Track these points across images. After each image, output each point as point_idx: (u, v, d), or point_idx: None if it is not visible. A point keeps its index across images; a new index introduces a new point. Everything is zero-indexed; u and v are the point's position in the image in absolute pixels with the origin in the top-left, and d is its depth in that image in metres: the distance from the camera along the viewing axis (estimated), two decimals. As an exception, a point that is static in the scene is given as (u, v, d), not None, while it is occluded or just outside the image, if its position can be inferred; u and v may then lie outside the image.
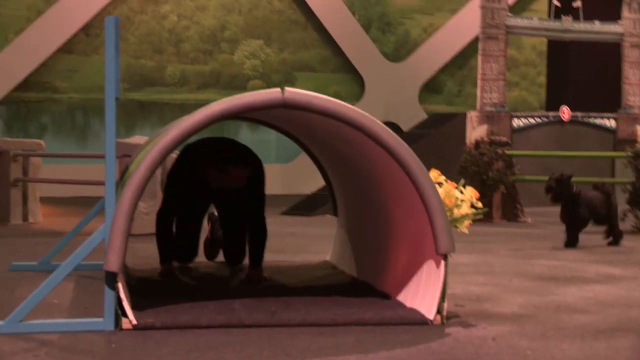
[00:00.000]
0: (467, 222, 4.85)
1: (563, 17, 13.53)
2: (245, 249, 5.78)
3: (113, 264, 4.03)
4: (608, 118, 13.67)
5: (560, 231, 7.92)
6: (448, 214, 4.64)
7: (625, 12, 13.79)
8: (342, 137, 4.83)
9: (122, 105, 15.14)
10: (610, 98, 14.43)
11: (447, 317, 4.26)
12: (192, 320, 4.13)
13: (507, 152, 10.55)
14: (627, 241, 8.18)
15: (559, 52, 16.73)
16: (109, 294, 4.05)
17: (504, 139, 10.98)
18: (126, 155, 7.75)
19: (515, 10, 15.82)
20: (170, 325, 4.07)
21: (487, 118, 12.68)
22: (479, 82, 12.89)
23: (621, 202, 8.79)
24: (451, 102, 17.22)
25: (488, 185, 10.23)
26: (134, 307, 4.19)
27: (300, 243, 7.91)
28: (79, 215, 7.47)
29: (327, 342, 3.79)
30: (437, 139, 12.64)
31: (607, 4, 15.13)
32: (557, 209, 8.00)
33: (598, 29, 13.75)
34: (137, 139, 8.82)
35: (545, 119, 13.27)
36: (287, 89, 4.33)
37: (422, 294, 4.38)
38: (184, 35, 15.66)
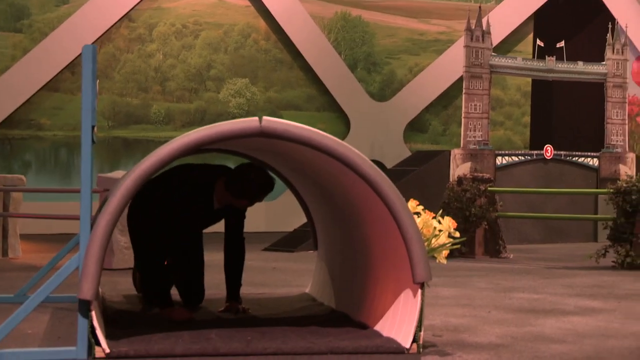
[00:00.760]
0: (445, 252, 4.87)
1: (547, 58, 13.69)
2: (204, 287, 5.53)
3: (86, 292, 4.00)
4: (591, 157, 13.76)
5: (541, 267, 7.94)
6: (426, 243, 4.66)
7: (608, 54, 13.97)
8: (321, 167, 4.86)
9: (107, 143, 15.17)
10: (593, 137, 14.54)
11: (424, 346, 4.24)
12: (167, 349, 4.10)
13: (489, 188, 10.58)
14: (608, 276, 8.20)
15: (543, 92, 16.87)
16: (82, 322, 4.02)
17: (487, 175, 11.01)
18: (107, 190, 7.75)
19: (500, 50, 15.96)
20: (144, 354, 4.04)
21: (471, 155, 12.75)
22: (463, 120, 12.98)
23: (602, 238, 8.83)
24: (436, 141, 17.30)
25: (471, 222, 10.24)
26: (108, 336, 4.16)
27: (282, 277, 7.88)
28: (58, 251, 7.42)
29: (301, 370, 3.76)
30: (421, 176, 12.66)
31: (591, 45, 15.32)
32: (539, 246, 8.02)
33: (581, 69, 13.92)
34: (119, 173, 8.81)
35: (528, 157, 13.34)
36: (265, 117, 4.36)
37: (399, 323, 4.37)
38: (170, 74, 15.73)
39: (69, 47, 14.30)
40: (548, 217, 12.31)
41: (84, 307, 4.01)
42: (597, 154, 13.81)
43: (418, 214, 4.79)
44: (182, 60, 15.82)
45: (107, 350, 4.00)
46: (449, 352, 4.24)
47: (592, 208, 13.39)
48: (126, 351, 4.03)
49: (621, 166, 13.82)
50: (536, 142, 16.11)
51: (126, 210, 8.48)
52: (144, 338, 4.27)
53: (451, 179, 11.66)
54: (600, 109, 14.19)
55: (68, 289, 5.38)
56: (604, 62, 13.97)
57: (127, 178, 4.15)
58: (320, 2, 16.79)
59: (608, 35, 13.96)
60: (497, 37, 15.31)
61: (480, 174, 10.95)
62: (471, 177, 10.72)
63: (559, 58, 13.72)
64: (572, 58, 13.90)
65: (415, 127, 17.13)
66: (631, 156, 14.05)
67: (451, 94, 16.96)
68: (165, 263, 5.19)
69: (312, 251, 6.18)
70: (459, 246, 5.02)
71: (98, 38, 14.80)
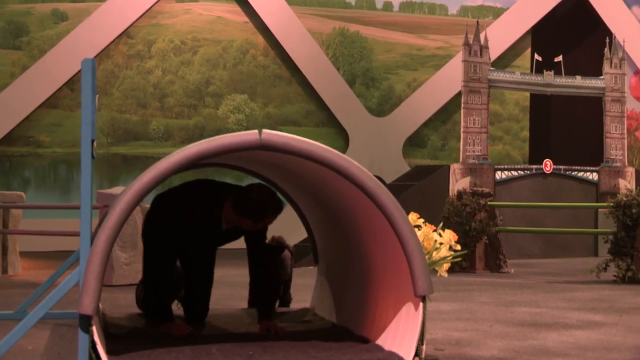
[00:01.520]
0: (446, 265, 4.85)
1: (545, 72, 13.71)
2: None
3: (87, 306, 3.96)
4: (591, 171, 13.77)
5: (542, 281, 7.93)
6: (427, 257, 4.64)
7: (606, 68, 14.00)
8: (321, 181, 4.84)
9: (106, 159, 15.16)
10: (592, 152, 14.55)
11: (426, 360, 4.22)
12: (168, 364, 4.07)
13: (489, 203, 10.58)
14: (609, 290, 8.19)
15: (542, 106, 16.90)
16: (82, 337, 3.98)
17: (487, 190, 11.02)
18: (106, 206, 7.73)
19: (498, 65, 16.00)
20: (145, 369, 4.01)
21: (470, 170, 12.76)
22: (462, 135, 12.99)
23: (603, 252, 8.81)
24: (435, 156, 17.31)
25: (471, 236, 10.24)
26: (109, 352, 4.13)
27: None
28: (58, 268, 7.40)
29: (303, 385, 3.74)
30: (420, 190, 12.66)
31: (589, 59, 15.36)
32: (539, 261, 8.02)
33: (580, 83, 13.95)
34: (118, 189, 8.80)
35: (528, 172, 13.35)
36: (265, 130, 4.35)
37: (400, 337, 4.35)
38: (169, 90, 15.75)
39: (68, 64, 14.32)
40: (548, 231, 12.31)
41: (85, 322, 3.98)
42: (597, 168, 13.82)
43: (419, 226, 4.77)
44: (181, 77, 15.84)
45: (108, 366, 3.97)
46: (452, 365, 4.22)
47: (592, 222, 13.39)
48: (127, 366, 4.00)
49: (620, 180, 13.82)
50: (535, 157, 16.13)
51: (126, 227, 8.48)
52: (145, 353, 4.24)
53: (451, 194, 11.66)
54: (598, 123, 14.21)
55: (68, 305, 5.37)
56: (602, 77, 14.01)
57: (127, 192, 4.13)
58: (319, 18, 16.84)
59: (606, 49, 14.00)
60: (495, 51, 15.37)
61: (480, 189, 10.95)
62: (471, 191, 10.72)
63: (557, 72, 13.75)
64: (570, 72, 13.93)
65: (414, 142, 17.15)
66: (630, 170, 14.06)
67: (450, 108, 16.99)
68: (173, 277, 5.08)
69: (312, 266, 6.15)
70: (460, 259, 4.99)
71: (97, 55, 14.82)
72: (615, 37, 14.82)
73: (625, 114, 14.27)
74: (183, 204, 4.96)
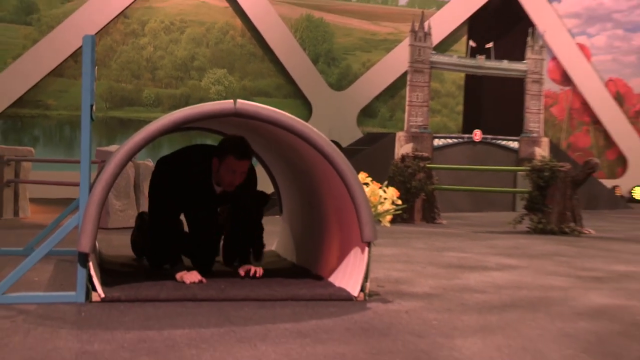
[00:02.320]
0: (389, 217, 4.89)
1: (478, 56, 13.75)
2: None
3: (85, 245, 3.97)
4: (512, 140, 13.90)
5: (469, 231, 8.01)
6: (373, 209, 4.68)
7: (528, 54, 14.08)
8: (287, 144, 4.85)
9: (105, 122, 14.98)
10: (515, 124, 14.68)
11: (369, 295, 4.28)
12: (153, 294, 4.09)
13: (428, 165, 10.64)
14: (523, 239, 8.31)
15: (474, 85, 16.96)
16: (80, 271, 3.99)
17: (426, 154, 11.07)
18: (104, 161, 7.67)
19: (439, 49, 16.00)
20: (133, 298, 4.03)
21: (413, 137, 12.81)
22: (406, 108, 13.02)
23: (519, 208, 8.91)
24: (384, 125, 17.34)
25: (411, 193, 10.31)
26: (103, 284, 4.14)
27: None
28: (61, 212, 7.35)
29: (266, 313, 3.78)
30: (371, 154, 12.70)
31: (515, 46, 15.41)
32: (468, 214, 8.08)
33: (506, 66, 14.01)
34: (114, 147, 8.73)
35: (460, 140, 13.44)
36: (239, 100, 4.34)
37: (348, 276, 4.40)
38: (159, 64, 15.55)
39: (73, 39, 14.10)
40: (476, 190, 12.44)
41: (83, 259, 3.98)
42: (517, 138, 13.95)
43: (367, 184, 4.80)
44: (170, 53, 15.65)
45: (102, 295, 3.98)
46: (390, 300, 4.28)
47: (512, 183, 13.56)
48: (118, 296, 4.01)
49: (537, 148, 13.98)
50: (467, 127, 16.24)
51: (120, 179, 8.39)
52: (134, 285, 4.26)
53: (396, 157, 11.71)
54: (520, 100, 14.32)
55: (69, 244, 5.35)
56: (524, 61, 14.08)
57: (121, 150, 4.11)
58: (289, 5, 16.68)
59: (529, 38, 14.07)
60: (436, 38, 15.38)
61: (420, 153, 11.00)
62: (412, 155, 10.77)
63: (488, 57, 13.80)
64: (499, 57, 13.99)
65: (366, 113, 17.16)
66: (545, 140, 14.22)
67: (397, 85, 17.00)
68: (181, 231, 4.73)
69: (278, 215, 6.17)
70: (401, 212, 5.04)
71: (97, 32, 14.61)
72: (536, 28, 14.88)
73: (543, 93, 14.39)
74: (182, 166, 4.67)
